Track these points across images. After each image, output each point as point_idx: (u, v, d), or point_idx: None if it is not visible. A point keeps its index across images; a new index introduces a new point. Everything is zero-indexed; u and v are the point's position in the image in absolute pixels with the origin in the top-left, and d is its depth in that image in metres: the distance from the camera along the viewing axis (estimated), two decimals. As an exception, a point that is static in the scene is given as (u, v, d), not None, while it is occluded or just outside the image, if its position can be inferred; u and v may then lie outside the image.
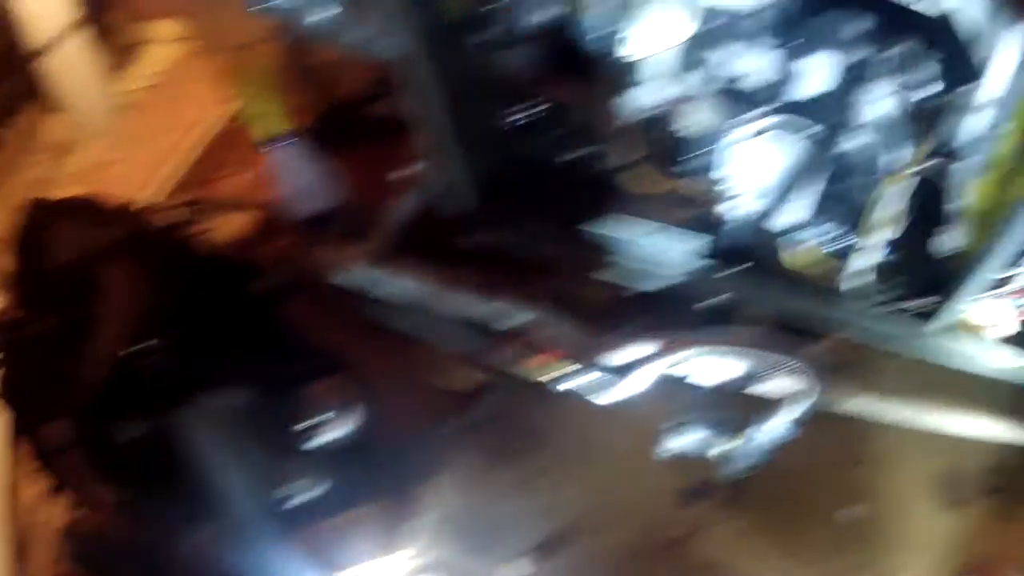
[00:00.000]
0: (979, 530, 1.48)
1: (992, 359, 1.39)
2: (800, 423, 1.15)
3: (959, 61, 1.11)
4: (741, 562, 1.42)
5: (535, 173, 1.45)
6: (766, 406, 1.22)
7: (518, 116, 1.40)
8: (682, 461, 1.40)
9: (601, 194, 1.41)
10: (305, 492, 1.33)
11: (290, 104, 1.73)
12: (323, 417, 1.37)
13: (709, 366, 1.32)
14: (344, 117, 1.84)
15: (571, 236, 1.42)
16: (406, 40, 1.19)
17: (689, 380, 1.34)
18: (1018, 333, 1.36)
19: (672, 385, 1.29)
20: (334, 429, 1.38)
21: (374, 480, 1.43)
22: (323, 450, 1.39)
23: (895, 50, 1.20)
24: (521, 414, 1.51)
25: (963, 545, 1.47)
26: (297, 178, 1.54)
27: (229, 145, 1.95)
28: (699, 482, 1.45)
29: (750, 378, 1.32)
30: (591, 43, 1.25)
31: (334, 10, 1.25)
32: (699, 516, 1.45)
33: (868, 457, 1.52)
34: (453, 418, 1.51)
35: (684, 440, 1.28)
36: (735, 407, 1.29)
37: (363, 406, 1.43)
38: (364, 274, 1.47)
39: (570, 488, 1.46)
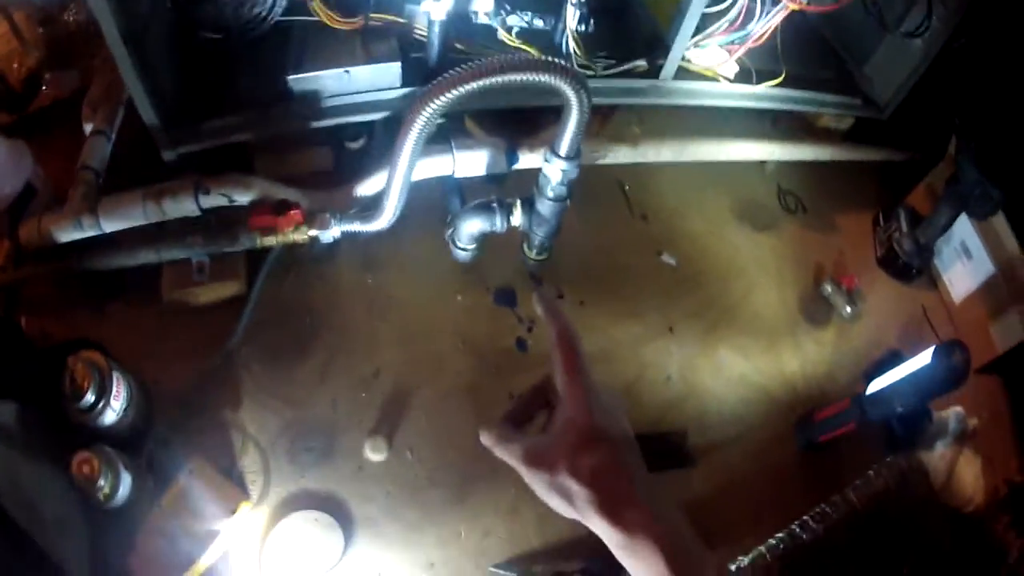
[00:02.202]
0: (799, 244, 1.55)
1: (726, 93, 1.46)
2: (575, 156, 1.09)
3: None
4: (584, 342, 1.33)
5: (218, 46, 1.34)
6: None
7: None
8: (477, 274, 1.35)
9: (291, 48, 1.33)
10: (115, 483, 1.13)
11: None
12: (89, 399, 1.14)
13: (458, 162, 1.25)
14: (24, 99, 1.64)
15: (269, 101, 1.32)
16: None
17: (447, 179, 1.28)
18: (742, 69, 1.45)
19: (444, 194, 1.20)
20: (107, 409, 1.17)
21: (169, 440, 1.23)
22: (108, 434, 1.18)
23: None
24: (293, 292, 1.35)
25: (793, 261, 1.52)
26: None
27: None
28: (503, 285, 1.36)
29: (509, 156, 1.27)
30: None
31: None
32: (522, 316, 1.33)
33: (654, 209, 1.52)
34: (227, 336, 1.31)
35: (463, 234, 1.20)
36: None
37: (122, 371, 1.22)
38: (75, 228, 1.31)
39: (380, 349, 1.30)
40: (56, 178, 1.44)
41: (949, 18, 1.36)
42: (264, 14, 1.31)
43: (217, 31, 1.31)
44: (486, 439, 0.66)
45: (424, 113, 1.04)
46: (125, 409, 1.21)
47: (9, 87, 1.64)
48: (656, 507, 0.57)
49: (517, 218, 1.19)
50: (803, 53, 1.53)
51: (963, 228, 1.47)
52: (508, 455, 0.64)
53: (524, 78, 1.00)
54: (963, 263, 1.49)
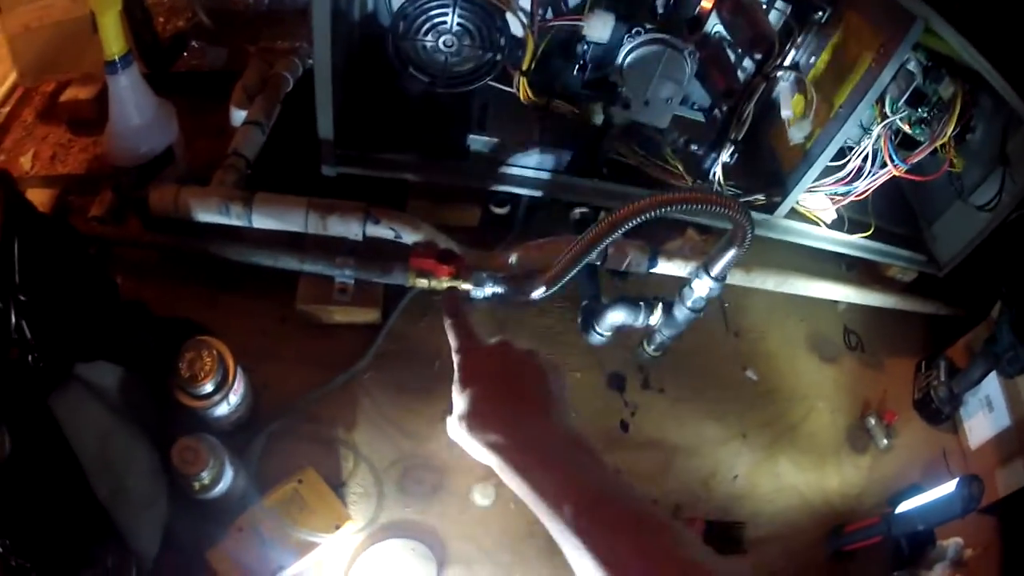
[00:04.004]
0: (854, 378, 1.75)
1: (825, 237, 1.66)
2: (723, 279, 1.22)
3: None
4: (675, 434, 1.49)
5: (408, 89, 1.40)
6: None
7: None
8: (595, 356, 1.49)
9: (472, 107, 1.43)
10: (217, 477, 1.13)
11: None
12: (207, 388, 1.15)
13: (610, 256, 1.40)
14: (166, 58, 1.64)
15: (442, 153, 1.42)
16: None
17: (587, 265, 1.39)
18: (839, 216, 1.65)
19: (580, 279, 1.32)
20: (223, 402, 1.19)
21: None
22: (212, 425, 1.21)
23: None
24: (425, 333, 1.45)
25: (847, 392, 1.72)
26: (133, 110, 1.32)
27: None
28: (616, 371, 1.52)
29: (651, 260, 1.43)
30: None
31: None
32: (628, 401, 1.50)
33: (745, 328, 1.71)
34: (355, 358, 1.39)
35: (606, 322, 1.34)
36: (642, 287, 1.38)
37: (240, 370, 1.23)
38: (219, 212, 1.34)
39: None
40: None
41: (1017, 194, 1.52)
42: (479, 75, 1.36)
43: (425, 74, 1.36)
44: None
45: (625, 221, 1.05)
46: (238, 405, 1.23)
47: (156, 38, 1.59)
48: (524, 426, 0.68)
49: (655, 318, 1.33)
50: (885, 206, 1.71)
51: (990, 383, 1.65)
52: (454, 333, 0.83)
53: (715, 209, 1.06)
54: (984, 414, 1.67)
